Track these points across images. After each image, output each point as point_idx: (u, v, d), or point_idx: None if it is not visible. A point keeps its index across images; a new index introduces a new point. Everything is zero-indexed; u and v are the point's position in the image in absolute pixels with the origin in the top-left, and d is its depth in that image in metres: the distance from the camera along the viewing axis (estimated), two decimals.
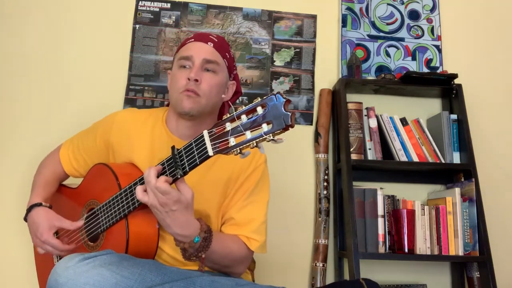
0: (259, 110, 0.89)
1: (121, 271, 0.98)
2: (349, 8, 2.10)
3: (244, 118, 0.90)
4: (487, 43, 2.15)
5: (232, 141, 0.91)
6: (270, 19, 2.05)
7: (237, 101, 1.93)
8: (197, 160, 0.99)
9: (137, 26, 1.99)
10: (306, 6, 2.08)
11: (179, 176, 1.01)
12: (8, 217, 1.79)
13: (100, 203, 1.20)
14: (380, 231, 1.76)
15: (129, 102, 1.91)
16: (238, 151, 0.91)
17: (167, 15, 2.01)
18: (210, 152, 0.95)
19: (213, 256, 1.11)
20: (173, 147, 1.03)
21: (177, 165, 1.01)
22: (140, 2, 2.01)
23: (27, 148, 1.84)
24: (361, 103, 1.88)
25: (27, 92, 1.89)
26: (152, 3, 2.01)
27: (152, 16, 2.00)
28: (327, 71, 2.04)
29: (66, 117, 1.88)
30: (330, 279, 1.87)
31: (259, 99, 0.90)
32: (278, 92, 0.89)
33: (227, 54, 1.28)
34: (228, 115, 0.93)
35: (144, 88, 1.93)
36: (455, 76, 1.88)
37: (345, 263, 1.86)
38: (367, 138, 1.86)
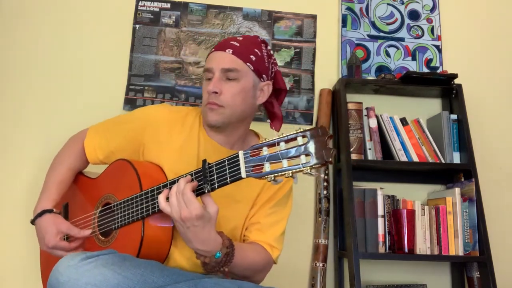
0: (300, 140, 0.88)
1: (123, 271, 0.97)
2: (349, 8, 2.10)
3: (282, 145, 0.90)
4: (487, 43, 2.15)
5: (267, 166, 0.91)
6: (270, 19, 2.05)
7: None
8: (228, 180, 0.98)
9: (137, 26, 1.99)
10: (306, 6, 2.07)
11: (206, 191, 1.00)
12: (10, 217, 1.79)
13: (118, 199, 1.19)
14: (380, 231, 1.75)
15: (129, 102, 1.91)
16: (272, 177, 0.90)
17: (167, 15, 2.01)
18: (243, 174, 0.95)
19: (235, 269, 1.12)
20: (204, 161, 1.02)
21: (205, 180, 1.00)
22: (140, 2, 2.01)
23: (27, 148, 1.84)
24: (361, 103, 1.88)
25: (27, 92, 1.89)
26: (152, 3, 2.01)
27: (152, 16, 2.00)
28: (327, 71, 2.03)
29: (66, 117, 1.87)
30: (330, 279, 1.87)
31: (301, 130, 0.89)
32: (322, 126, 0.88)
33: (251, 56, 1.22)
34: (266, 140, 0.92)
35: (144, 88, 1.93)
36: (455, 76, 1.88)
37: (345, 263, 1.85)
38: (367, 138, 1.86)
